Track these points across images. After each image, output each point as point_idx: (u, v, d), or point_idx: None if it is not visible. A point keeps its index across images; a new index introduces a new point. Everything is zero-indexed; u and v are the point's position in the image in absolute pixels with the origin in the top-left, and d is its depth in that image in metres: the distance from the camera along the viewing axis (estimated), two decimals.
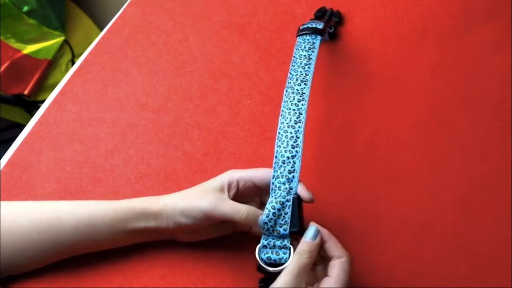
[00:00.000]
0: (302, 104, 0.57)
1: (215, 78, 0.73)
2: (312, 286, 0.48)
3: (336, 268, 0.48)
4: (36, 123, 0.69)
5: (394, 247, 0.60)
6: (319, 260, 0.51)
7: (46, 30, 1.44)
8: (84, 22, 1.60)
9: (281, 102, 0.68)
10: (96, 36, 0.79)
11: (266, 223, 0.51)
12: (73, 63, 1.48)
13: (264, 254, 0.51)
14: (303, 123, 0.56)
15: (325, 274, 0.48)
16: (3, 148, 1.58)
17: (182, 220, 0.53)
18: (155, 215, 0.54)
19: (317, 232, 0.49)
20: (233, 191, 0.54)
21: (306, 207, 0.53)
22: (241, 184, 0.54)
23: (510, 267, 0.58)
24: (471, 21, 0.74)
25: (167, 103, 0.71)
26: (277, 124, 0.65)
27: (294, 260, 0.47)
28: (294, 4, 0.78)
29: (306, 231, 0.50)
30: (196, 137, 0.67)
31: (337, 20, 0.76)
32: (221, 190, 0.54)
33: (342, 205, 0.63)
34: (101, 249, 0.56)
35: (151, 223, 0.54)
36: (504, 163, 0.64)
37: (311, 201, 0.52)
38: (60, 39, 1.45)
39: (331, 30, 0.73)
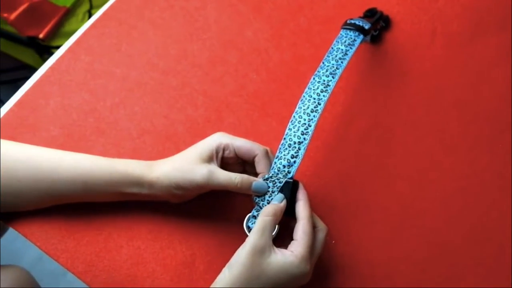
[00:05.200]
0: (324, 95, 0.59)
1: (226, 49, 0.74)
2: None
3: (298, 233, 0.51)
4: (49, 68, 0.71)
5: (374, 234, 0.63)
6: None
7: None
8: None
9: (286, 81, 0.70)
10: None
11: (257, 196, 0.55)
12: (90, 13, 1.49)
13: (252, 224, 0.54)
14: (319, 113, 0.58)
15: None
16: (11, 87, 1.61)
17: (177, 191, 0.56)
18: (149, 184, 0.56)
19: (283, 198, 0.54)
20: (219, 158, 0.57)
21: None
22: (226, 152, 0.57)
23: (479, 268, 0.61)
24: (479, 30, 0.75)
25: (177, 67, 0.73)
26: (279, 102, 0.67)
27: (258, 219, 0.51)
28: None
29: (276, 196, 0.54)
30: (200, 103, 0.70)
31: (384, 25, 0.76)
32: (211, 158, 0.56)
33: (330, 189, 0.65)
34: (95, 201, 0.59)
35: (145, 191, 0.57)
36: (489, 171, 0.66)
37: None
38: None
39: (375, 33, 0.73)
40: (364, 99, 0.71)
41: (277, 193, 0.55)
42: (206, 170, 0.55)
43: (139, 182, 0.56)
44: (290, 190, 0.55)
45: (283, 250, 0.50)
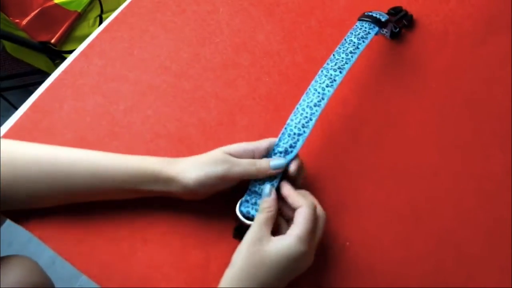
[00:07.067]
0: (328, 90, 0.59)
1: (238, 52, 0.75)
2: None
3: (297, 217, 0.52)
4: (62, 72, 0.72)
5: (387, 235, 0.62)
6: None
7: None
8: None
9: (298, 83, 0.71)
10: None
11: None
12: (100, 18, 1.51)
13: (245, 208, 0.56)
14: (322, 108, 0.58)
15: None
16: (23, 92, 1.63)
17: (196, 187, 0.56)
18: (165, 180, 0.56)
19: (271, 190, 0.55)
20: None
21: (307, 188, 0.57)
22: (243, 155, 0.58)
23: (493, 268, 0.60)
24: (490, 30, 0.75)
25: (189, 70, 0.73)
26: (291, 104, 0.67)
27: (257, 216, 0.53)
28: None
29: (263, 190, 0.56)
30: (212, 106, 0.70)
31: (406, 23, 0.75)
32: (229, 153, 0.57)
33: (343, 190, 0.65)
34: (109, 199, 0.59)
35: (160, 187, 0.57)
36: (502, 171, 0.66)
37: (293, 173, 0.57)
38: None
39: (396, 30, 0.73)
40: (376, 99, 0.71)
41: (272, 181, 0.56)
42: (225, 160, 0.56)
43: (155, 178, 0.56)
44: (283, 174, 0.57)
45: (280, 236, 0.51)
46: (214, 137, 0.67)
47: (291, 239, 0.50)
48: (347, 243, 0.61)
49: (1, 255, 0.73)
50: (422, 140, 0.68)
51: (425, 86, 0.72)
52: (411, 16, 0.76)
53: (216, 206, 0.62)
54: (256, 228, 0.51)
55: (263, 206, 0.54)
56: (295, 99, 0.70)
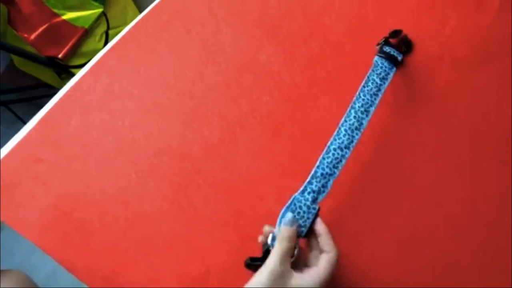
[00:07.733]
0: (357, 133, 0.61)
1: (240, 72, 0.77)
2: (301, 268, 0.53)
3: (324, 261, 0.52)
4: (71, 88, 0.74)
5: (383, 253, 0.64)
6: (314, 247, 0.55)
7: None
8: None
9: (298, 103, 0.72)
10: (132, 12, 0.83)
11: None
12: (107, 34, 1.53)
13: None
14: (351, 150, 0.60)
15: (315, 262, 0.53)
16: (29, 104, 1.65)
17: None
18: None
19: (292, 220, 0.54)
20: None
21: None
22: None
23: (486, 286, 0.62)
24: (486, 56, 0.76)
25: (193, 89, 0.75)
26: (291, 123, 0.69)
27: (278, 246, 0.52)
28: (324, 14, 0.82)
29: (284, 218, 0.54)
30: (215, 124, 0.72)
31: (405, 49, 0.76)
32: None
33: (341, 208, 0.66)
34: None
35: None
36: (497, 194, 0.67)
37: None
38: (99, 10, 1.50)
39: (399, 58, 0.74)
40: (374, 121, 0.72)
41: (310, 220, 0.56)
42: None
43: None
44: (315, 215, 0.56)
45: (302, 274, 0.51)
46: (215, 154, 0.69)
47: (314, 282, 0.50)
48: (344, 260, 0.62)
49: (3, 264, 0.75)
50: (419, 162, 0.69)
51: (421, 109, 0.73)
52: (410, 41, 0.77)
53: (218, 222, 0.63)
54: (279, 261, 0.51)
55: (284, 235, 0.53)
56: (295, 119, 0.72)
